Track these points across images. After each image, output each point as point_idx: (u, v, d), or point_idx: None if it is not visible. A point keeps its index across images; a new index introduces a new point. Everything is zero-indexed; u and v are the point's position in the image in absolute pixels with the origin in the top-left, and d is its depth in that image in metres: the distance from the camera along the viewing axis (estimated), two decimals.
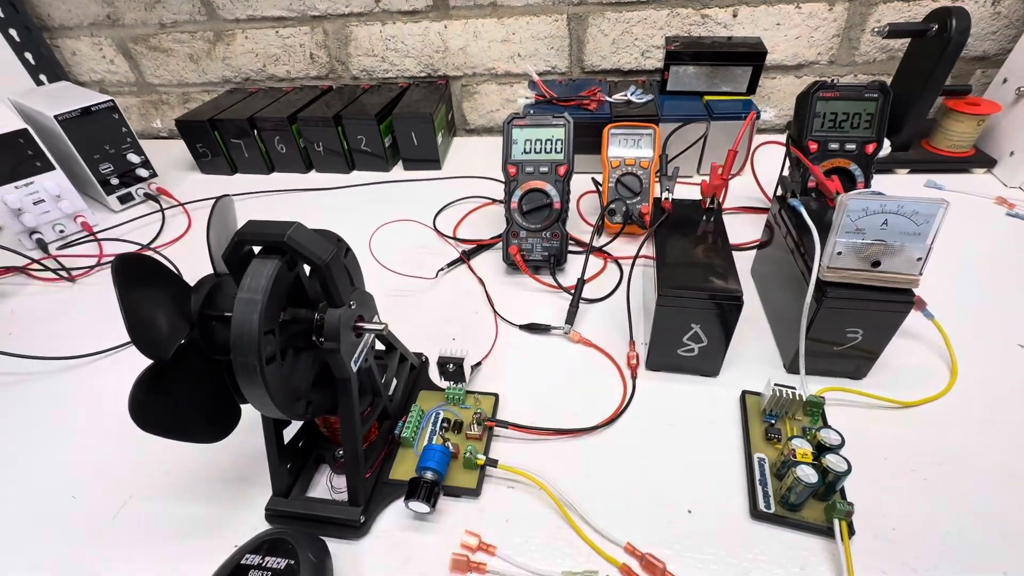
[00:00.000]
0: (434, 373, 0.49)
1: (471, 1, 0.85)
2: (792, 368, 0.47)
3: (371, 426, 0.41)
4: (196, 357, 0.34)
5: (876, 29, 0.70)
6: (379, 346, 0.46)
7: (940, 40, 0.67)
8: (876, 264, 0.40)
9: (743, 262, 0.61)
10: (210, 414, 0.35)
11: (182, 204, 0.81)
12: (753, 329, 0.53)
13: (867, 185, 0.58)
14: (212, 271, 0.35)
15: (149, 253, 0.72)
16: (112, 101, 0.77)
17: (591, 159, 0.75)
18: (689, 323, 0.45)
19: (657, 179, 0.65)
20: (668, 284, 0.44)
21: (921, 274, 0.40)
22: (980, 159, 0.75)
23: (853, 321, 0.43)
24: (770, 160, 0.70)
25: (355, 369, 0.35)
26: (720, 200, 0.54)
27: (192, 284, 0.34)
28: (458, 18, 0.87)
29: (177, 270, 0.68)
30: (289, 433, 0.41)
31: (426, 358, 0.51)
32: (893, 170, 0.77)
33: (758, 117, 0.74)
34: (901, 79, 0.76)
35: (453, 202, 0.77)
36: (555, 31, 0.86)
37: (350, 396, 0.35)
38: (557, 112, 0.61)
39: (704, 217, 0.53)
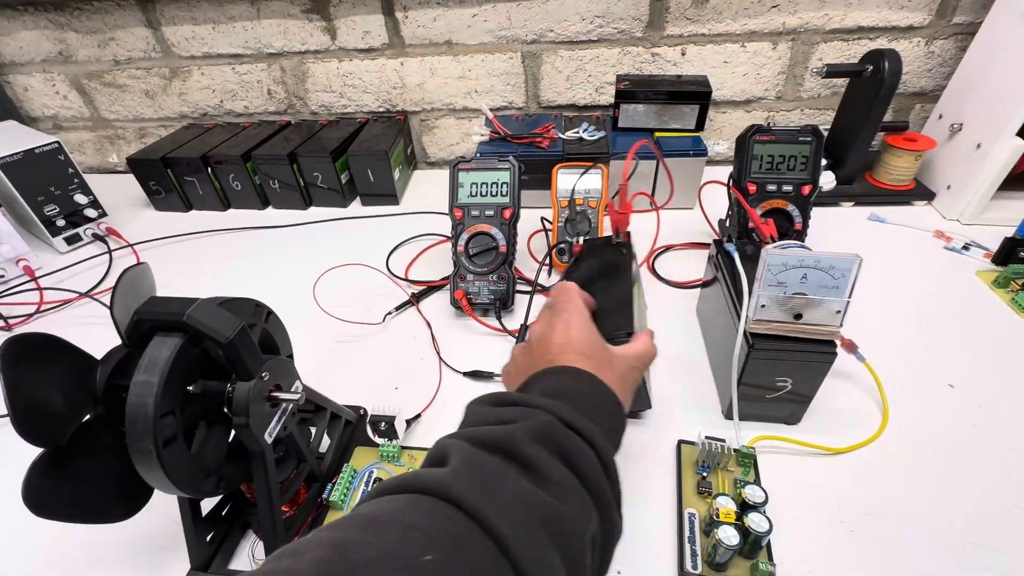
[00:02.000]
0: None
1: (426, 39, 0.86)
2: (729, 414, 0.47)
3: (296, 490, 0.40)
4: (103, 433, 0.33)
5: (815, 69, 0.73)
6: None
7: (875, 80, 0.70)
8: (798, 316, 0.41)
9: (689, 300, 0.62)
10: (119, 492, 0.34)
11: (131, 245, 0.79)
12: (697, 370, 0.54)
13: (804, 225, 0.60)
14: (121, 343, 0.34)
15: (85, 302, 0.70)
16: (57, 143, 0.76)
17: (544, 195, 0.75)
18: None
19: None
20: None
21: (841, 326, 0.41)
22: (920, 192, 0.77)
23: (782, 371, 0.43)
24: (722, 194, 0.71)
25: (271, 440, 0.34)
26: (626, 232, 0.55)
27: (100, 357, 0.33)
28: (414, 55, 0.88)
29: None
30: (214, 498, 0.40)
31: (364, 411, 0.50)
32: (839, 203, 0.79)
33: (705, 153, 0.75)
34: (843, 115, 0.78)
35: (407, 240, 0.77)
36: (510, 68, 0.88)
37: (264, 470, 0.34)
38: (503, 155, 0.62)
39: (615, 250, 0.53)
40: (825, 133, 0.81)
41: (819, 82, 0.84)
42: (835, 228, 0.73)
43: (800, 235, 0.60)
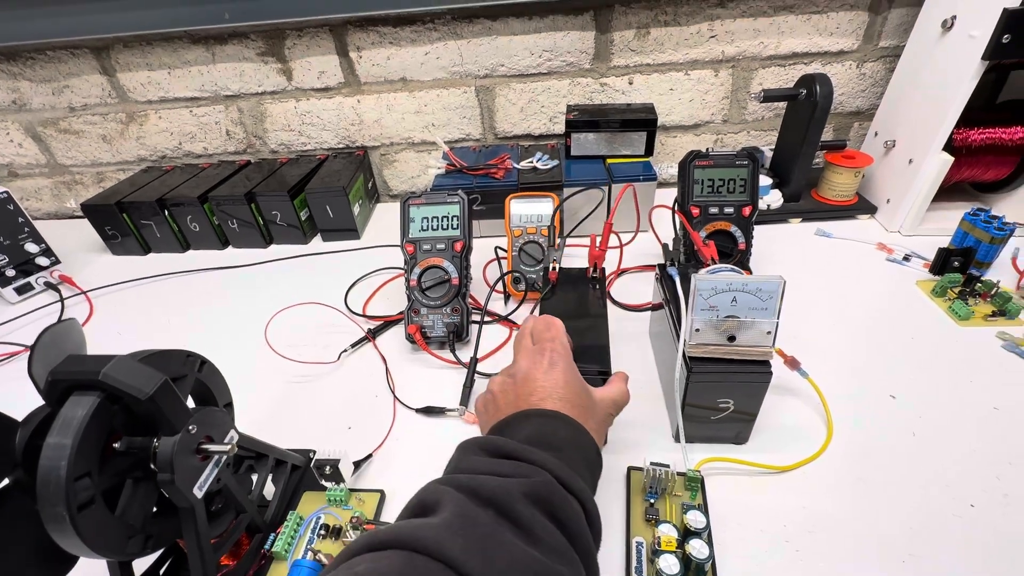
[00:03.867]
0: None
1: (381, 77, 0.88)
2: (678, 438, 0.48)
3: (235, 541, 0.39)
4: (23, 498, 0.32)
5: (753, 95, 0.76)
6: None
7: (809, 103, 0.73)
8: (732, 338, 0.42)
9: (643, 323, 0.63)
10: (40, 558, 0.32)
11: (84, 292, 0.78)
12: (650, 394, 0.54)
13: (748, 245, 0.62)
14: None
15: None
16: (6, 192, 0.75)
17: (500, 224, 0.76)
18: None
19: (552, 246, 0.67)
20: None
21: (773, 345, 0.42)
22: (863, 207, 0.80)
23: (722, 392, 0.44)
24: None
25: (201, 495, 0.33)
26: (602, 268, 0.56)
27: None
28: (370, 93, 0.90)
29: None
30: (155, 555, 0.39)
31: (314, 454, 0.49)
32: (787, 220, 0.81)
33: (655, 177, 0.77)
34: (784, 136, 0.82)
35: (366, 275, 0.77)
36: (465, 102, 0.90)
37: (194, 526, 0.33)
38: (455, 188, 0.63)
39: (590, 285, 0.55)
40: (770, 154, 0.84)
41: (762, 105, 0.88)
42: (784, 245, 0.75)
43: (744, 255, 0.61)
